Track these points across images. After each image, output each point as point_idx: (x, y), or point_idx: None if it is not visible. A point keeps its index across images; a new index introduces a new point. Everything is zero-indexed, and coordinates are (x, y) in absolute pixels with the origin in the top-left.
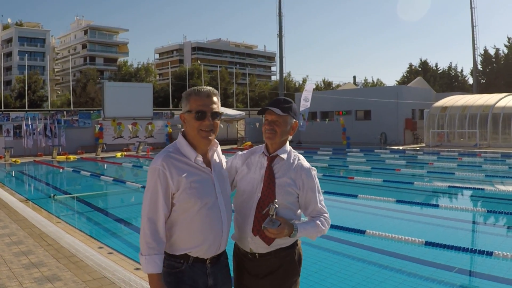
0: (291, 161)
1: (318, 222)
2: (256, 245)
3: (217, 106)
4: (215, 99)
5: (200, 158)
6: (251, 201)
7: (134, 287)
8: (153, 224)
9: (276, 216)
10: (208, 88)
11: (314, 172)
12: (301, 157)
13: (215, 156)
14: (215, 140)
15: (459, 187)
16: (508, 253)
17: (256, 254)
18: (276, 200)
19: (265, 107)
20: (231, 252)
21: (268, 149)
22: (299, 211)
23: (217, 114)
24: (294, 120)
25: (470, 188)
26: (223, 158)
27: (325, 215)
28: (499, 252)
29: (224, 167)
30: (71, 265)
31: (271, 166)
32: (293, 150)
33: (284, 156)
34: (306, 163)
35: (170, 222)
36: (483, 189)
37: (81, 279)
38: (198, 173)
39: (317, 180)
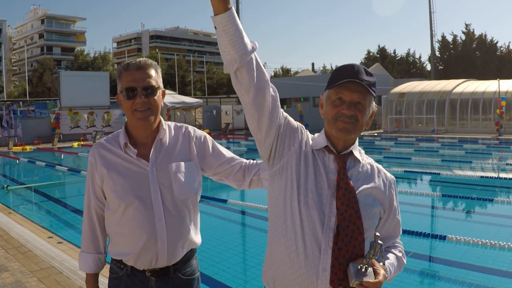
0: (368, 164)
1: (399, 254)
2: None
3: (153, 80)
4: (150, 71)
5: (131, 147)
6: (317, 228)
7: (81, 276)
8: (86, 219)
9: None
10: (141, 59)
11: None
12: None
13: (162, 146)
14: (165, 127)
15: (415, 172)
16: (461, 237)
17: None
18: (378, 234)
19: (348, 79)
20: None
21: (333, 144)
22: None
23: (150, 89)
24: (375, 104)
25: (426, 173)
26: (185, 147)
27: (399, 241)
28: (453, 236)
29: (177, 160)
30: (20, 255)
31: (345, 171)
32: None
33: (359, 156)
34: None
35: (106, 222)
36: (439, 174)
37: (28, 269)
38: (127, 166)
39: None
